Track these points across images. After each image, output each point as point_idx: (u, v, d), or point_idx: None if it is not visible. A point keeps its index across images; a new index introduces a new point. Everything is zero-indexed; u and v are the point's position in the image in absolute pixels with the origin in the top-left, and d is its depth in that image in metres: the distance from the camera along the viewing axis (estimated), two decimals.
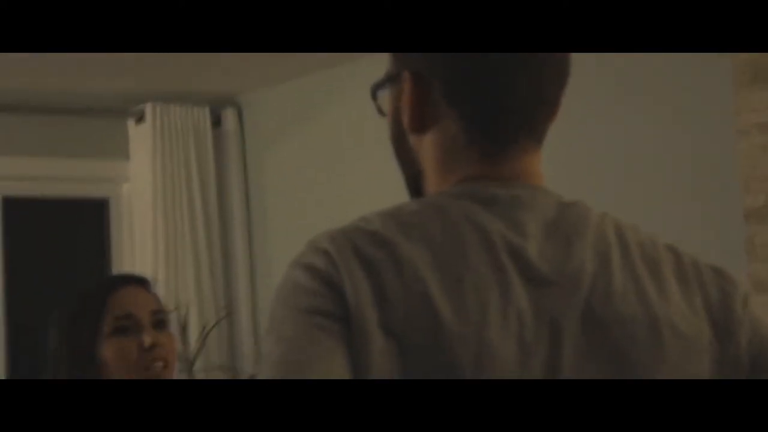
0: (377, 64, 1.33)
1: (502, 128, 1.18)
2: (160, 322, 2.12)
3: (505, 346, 1.06)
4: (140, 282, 2.18)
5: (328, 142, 4.48)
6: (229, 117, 4.81)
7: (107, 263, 4.67)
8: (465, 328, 1.05)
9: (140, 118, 4.60)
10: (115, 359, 2.05)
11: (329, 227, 1.11)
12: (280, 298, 1.08)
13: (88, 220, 4.76)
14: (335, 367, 1.02)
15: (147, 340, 2.05)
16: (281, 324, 1.06)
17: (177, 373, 2.16)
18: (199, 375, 4.36)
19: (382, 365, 1.03)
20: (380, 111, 1.27)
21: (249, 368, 4.48)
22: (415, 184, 1.25)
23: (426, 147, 1.21)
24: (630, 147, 3.51)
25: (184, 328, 4.37)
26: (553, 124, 1.21)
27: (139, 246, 4.57)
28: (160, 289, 4.38)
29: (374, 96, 1.27)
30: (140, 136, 4.60)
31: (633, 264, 1.15)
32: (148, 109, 4.57)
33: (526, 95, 1.18)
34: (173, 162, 4.58)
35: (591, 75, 3.32)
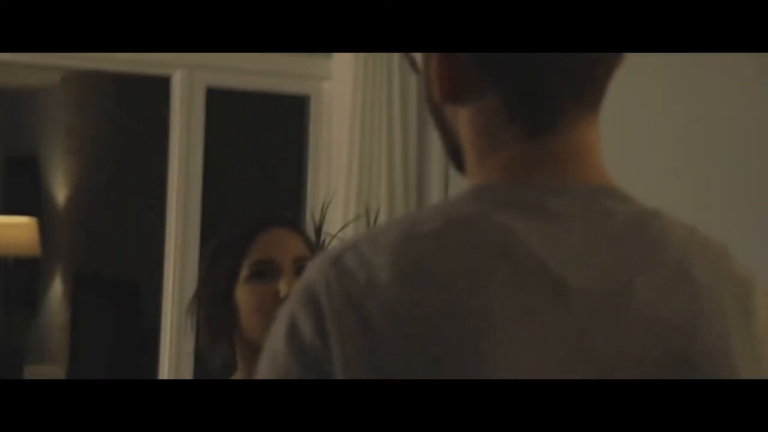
0: None
1: (546, 96, 0.99)
2: (302, 268, 2.05)
3: None
4: (289, 224, 2.12)
5: None
6: None
7: (304, 160, 4.68)
8: None
9: None
10: (248, 305, 1.99)
11: None
12: (277, 334, 0.97)
13: (288, 116, 4.77)
14: None
15: (283, 288, 1.98)
16: (275, 356, 0.96)
17: None
18: None
19: None
20: (413, 66, 1.11)
21: None
22: (455, 156, 1.08)
23: (462, 122, 1.04)
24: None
25: None
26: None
27: (335, 146, 4.54)
28: (351, 197, 4.36)
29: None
30: None
31: (726, 319, 0.98)
32: None
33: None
34: (376, 63, 4.49)
35: None
